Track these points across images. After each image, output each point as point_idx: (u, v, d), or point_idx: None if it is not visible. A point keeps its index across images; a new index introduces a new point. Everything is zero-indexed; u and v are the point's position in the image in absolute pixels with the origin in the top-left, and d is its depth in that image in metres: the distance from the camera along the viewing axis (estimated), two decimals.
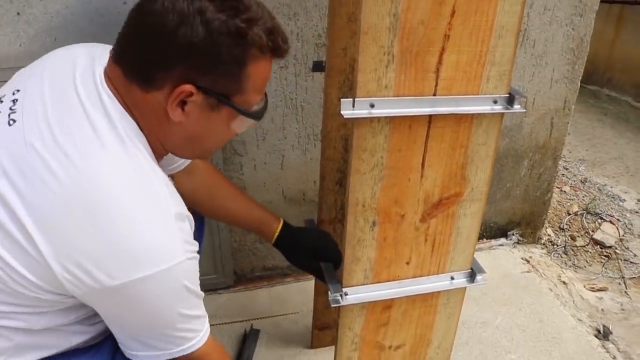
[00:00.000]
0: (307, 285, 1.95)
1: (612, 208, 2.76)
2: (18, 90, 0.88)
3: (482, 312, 1.96)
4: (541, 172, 2.28)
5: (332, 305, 1.15)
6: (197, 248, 0.89)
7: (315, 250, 1.34)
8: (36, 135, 0.81)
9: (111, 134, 0.82)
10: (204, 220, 1.41)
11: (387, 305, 1.22)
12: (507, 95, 1.01)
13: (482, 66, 0.97)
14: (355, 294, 1.16)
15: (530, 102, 2.08)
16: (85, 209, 0.78)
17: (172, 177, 1.24)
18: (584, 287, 2.18)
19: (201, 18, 0.79)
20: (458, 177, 1.09)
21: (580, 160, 3.33)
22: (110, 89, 0.85)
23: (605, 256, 2.40)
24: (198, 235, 1.35)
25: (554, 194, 2.52)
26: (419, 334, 1.31)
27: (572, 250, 2.42)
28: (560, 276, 2.22)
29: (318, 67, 1.36)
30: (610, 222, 2.61)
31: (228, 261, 1.92)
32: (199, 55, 0.80)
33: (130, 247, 0.80)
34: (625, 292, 2.18)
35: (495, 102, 1.01)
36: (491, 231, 2.39)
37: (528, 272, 2.22)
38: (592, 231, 2.55)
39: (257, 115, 0.93)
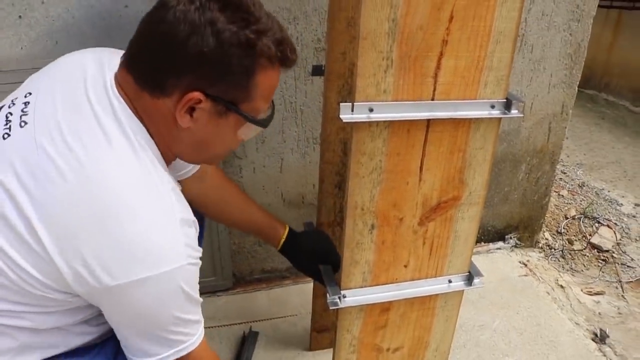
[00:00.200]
0: (306, 287, 1.96)
1: (609, 212, 2.77)
2: (30, 94, 0.90)
3: (479, 315, 1.97)
4: (539, 176, 2.29)
5: (331, 308, 1.15)
6: (199, 254, 0.90)
7: (316, 253, 1.35)
8: (47, 137, 0.82)
9: (121, 138, 0.84)
10: (204, 222, 1.42)
11: (385, 307, 1.23)
12: (505, 100, 1.02)
13: (480, 71, 0.98)
14: (353, 297, 1.16)
15: (528, 106, 2.09)
16: (91, 209, 0.79)
17: (181, 182, 1.25)
18: (581, 290, 2.19)
19: (212, 29, 0.80)
20: (456, 180, 1.10)
21: (577, 164, 3.34)
22: (120, 94, 0.86)
23: (603, 260, 2.41)
24: (198, 236, 1.36)
25: (551, 198, 2.53)
26: (417, 336, 1.31)
27: (570, 254, 2.43)
28: (557, 280, 2.22)
29: (317, 71, 1.37)
30: (608, 226, 2.62)
31: (227, 263, 1.92)
32: (209, 64, 0.82)
33: (133, 248, 0.80)
34: (622, 296, 2.19)
35: (492, 106, 1.02)
36: (489, 235, 2.39)
37: (526, 275, 2.23)
38: (590, 235, 2.56)
39: (264, 123, 0.94)
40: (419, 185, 1.08)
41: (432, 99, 0.98)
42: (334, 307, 1.16)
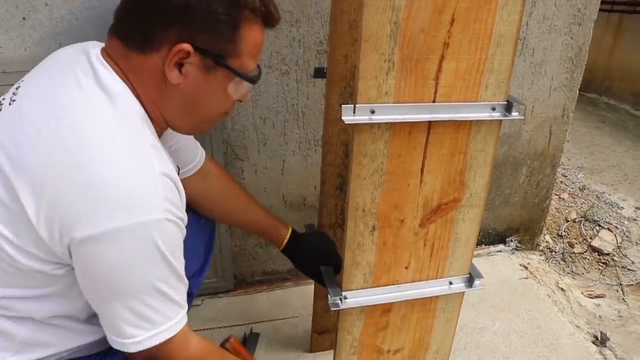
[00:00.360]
0: (307, 289, 1.96)
1: (610, 215, 2.77)
2: (23, 80, 0.93)
3: (480, 318, 1.97)
4: (540, 179, 2.30)
5: (332, 309, 1.16)
6: (182, 215, 0.87)
7: (318, 254, 1.36)
8: (30, 107, 0.85)
9: (100, 94, 0.85)
10: (214, 227, 1.43)
11: (386, 309, 1.23)
12: (505, 102, 1.03)
13: (481, 74, 0.99)
14: (354, 298, 1.17)
15: (529, 109, 2.10)
16: (64, 158, 0.79)
17: (184, 181, 1.26)
18: (582, 293, 2.19)
19: None
20: (457, 182, 1.11)
21: (578, 167, 3.34)
22: (106, 60, 0.88)
23: (603, 263, 2.41)
24: (209, 239, 1.37)
25: (552, 201, 2.54)
26: (418, 338, 1.32)
27: (570, 257, 2.43)
28: (558, 283, 2.23)
29: (319, 73, 1.38)
30: (608, 229, 2.62)
31: (228, 265, 1.93)
32: (195, 14, 0.83)
33: (107, 194, 0.78)
34: (623, 299, 2.19)
35: (493, 109, 1.03)
36: (490, 237, 2.40)
37: (526, 278, 2.23)
38: (590, 238, 2.56)
39: (253, 79, 0.95)
40: (420, 187, 1.08)
41: (434, 101, 0.99)
42: (335, 309, 1.16)
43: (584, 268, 2.38)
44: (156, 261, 0.84)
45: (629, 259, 2.44)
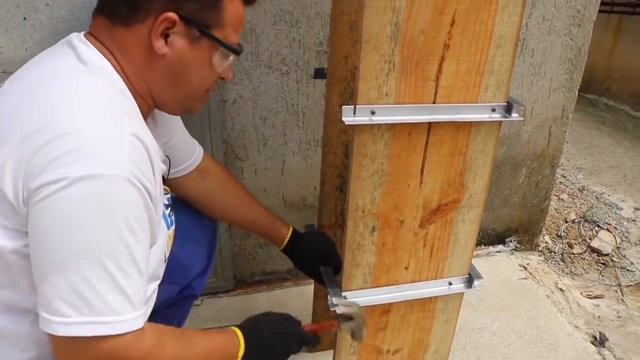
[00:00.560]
0: (306, 289, 1.96)
1: (609, 216, 2.77)
2: (11, 74, 0.94)
3: (479, 318, 1.97)
4: (539, 179, 2.30)
5: (332, 309, 1.16)
6: (147, 184, 0.81)
7: (318, 254, 1.36)
8: (8, 85, 0.87)
9: (77, 64, 0.86)
10: (216, 228, 1.43)
11: (386, 309, 1.23)
12: (505, 103, 1.03)
13: (481, 75, 0.99)
14: (354, 298, 1.17)
15: (529, 110, 2.10)
16: (32, 113, 0.79)
17: (184, 180, 1.27)
18: (581, 294, 2.19)
19: None
20: (456, 183, 1.11)
21: (578, 168, 3.35)
22: (88, 39, 0.89)
23: (602, 264, 2.41)
24: (212, 240, 1.37)
25: (551, 202, 2.54)
26: (417, 338, 1.32)
27: (569, 257, 2.44)
28: (557, 283, 2.23)
29: (319, 74, 1.38)
30: (608, 230, 2.62)
31: (228, 265, 1.93)
32: None
33: (68, 143, 0.74)
34: (622, 299, 2.19)
35: (493, 110, 1.03)
36: (489, 238, 2.40)
37: (525, 278, 2.24)
38: (590, 239, 2.56)
39: (237, 50, 0.96)
40: (419, 188, 1.09)
41: (434, 102, 0.99)
42: (334, 309, 1.16)
43: (583, 268, 2.38)
44: (106, 225, 0.75)
45: (628, 259, 2.44)
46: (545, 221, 2.48)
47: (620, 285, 2.28)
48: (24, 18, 1.32)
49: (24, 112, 0.79)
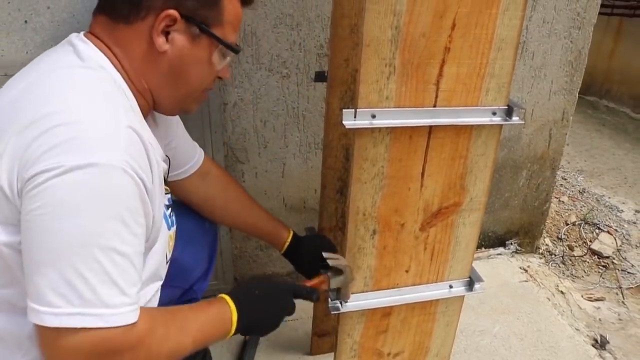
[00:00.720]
0: None
1: (609, 218, 2.77)
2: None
3: (480, 321, 1.97)
4: (539, 182, 2.30)
5: (332, 312, 1.16)
6: (143, 175, 0.80)
7: (319, 258, 1.36)
8: (9, 83, 0.88)
9: (76, 60, 0.86)
10: (218, 229, 1.43)
11: (387, 312, 1.23)
12: (506, 107, 1.03)
13: (482, 78, 0.99)
14: (354, 301, 1.17)
15: (529, 113, 2.10)
16: (29, 109, 0.79)
17: (185, 183, 1.27)
18: (582, 296, 2.19)
19: None
20: (457, 187, 1.11)
21: (578, 170, 3.35)
22: (87, 38, 0.90)
23: (603, 266, 2.41)
24: (213, 243, 1.37)
25: (552, 204, 2.54)
26: (418, 341, 1.32)
27: (570, 260, 2.43)
28: (558, 286, 2.23)
29: (320, 77, 1.38)
30: (608, 232, 2.62)
31: (229, 268, 1.93)
32: None
33: (62, 133, 0.74)
34: (623, 302, 2.19)
35: (494, 113, 1.03)
36: (490, 240, 2.40)
37: (526, 281, 2.24)
38: (590, 241, 2.56)
39: (235, 49, 0.97)
40: (420, 191, 1.09)
41: (434, 106, 0.99)
42: (335, 312, 1.16)
43: (584, 271, 2.38)
44: (99, 214, 0.74)
45: (628, 262, 2.44)
46: (546, 224, 2.48)
47: (621, 287, 2.27)
48: (25, 21, 1.32)
49: (21, 106, 0.80)
